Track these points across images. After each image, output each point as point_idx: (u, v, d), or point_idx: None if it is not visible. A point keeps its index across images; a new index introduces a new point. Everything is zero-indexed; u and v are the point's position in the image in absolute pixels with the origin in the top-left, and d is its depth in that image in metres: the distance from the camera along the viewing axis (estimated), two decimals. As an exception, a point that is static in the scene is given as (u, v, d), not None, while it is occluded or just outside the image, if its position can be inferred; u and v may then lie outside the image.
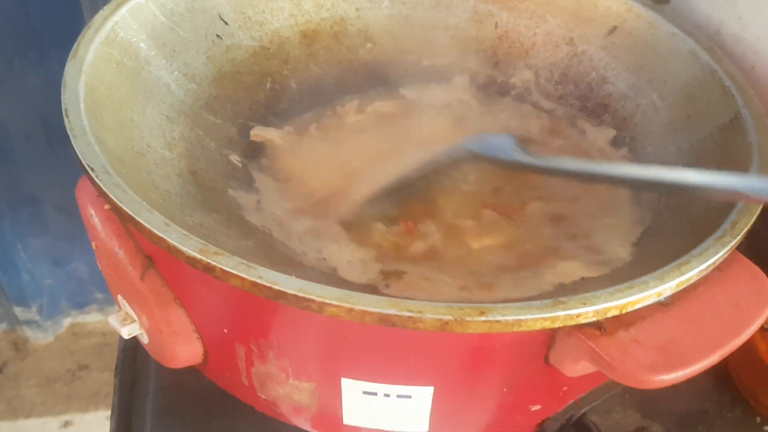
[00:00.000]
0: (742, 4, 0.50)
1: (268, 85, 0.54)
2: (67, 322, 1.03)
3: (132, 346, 0.49)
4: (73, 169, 0.36)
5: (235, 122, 0.50)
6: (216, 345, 0.37)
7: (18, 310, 0.98)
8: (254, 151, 0.49)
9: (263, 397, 0.39)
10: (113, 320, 0.38)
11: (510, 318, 0.29)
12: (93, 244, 0.38)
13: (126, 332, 0.38)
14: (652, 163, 0.47)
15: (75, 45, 0.43)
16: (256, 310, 0.34)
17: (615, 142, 0.50)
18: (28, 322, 1.00)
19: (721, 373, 0.46)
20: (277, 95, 0.54)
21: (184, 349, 0.37)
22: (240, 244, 0.40)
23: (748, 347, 0.33)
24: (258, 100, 0.53)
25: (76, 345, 1.02)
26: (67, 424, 0.95)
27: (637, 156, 0.48)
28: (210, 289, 0.34)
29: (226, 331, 0.36)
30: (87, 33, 0.43)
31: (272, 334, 0.34)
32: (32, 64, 0.78)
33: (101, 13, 0.45)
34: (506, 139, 0.41)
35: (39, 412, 0.96)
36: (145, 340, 0.39)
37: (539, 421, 0.39)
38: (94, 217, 0.37)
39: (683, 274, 0.32)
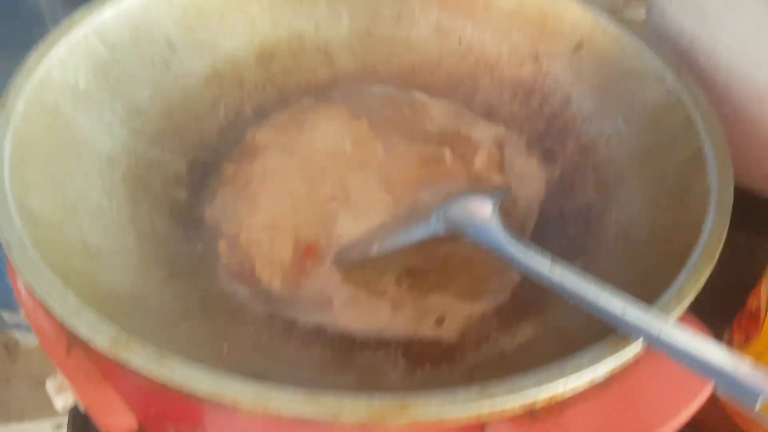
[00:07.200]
0: (712, 17, 0.47)
1: (222, 112, 0.51)
2: (55, 325, 1.03)
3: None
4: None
5: (184, 156, 0.48)
6: (149, 421, 0.36)
7: (6, 315, 0.98)
8: (203, 188, 0.48)
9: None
10: (49, 387, 0.38)
11: (433, 415, 0.28)
12: (22, 313, 0.37)
13: (60, 403, 0.37)
14: (615, 200, 0.44)
15: (4, 94, 0.41)
16: (179, 396, 0.32)
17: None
18: (18, 326, 1.00)
19: None
20: (230, 123, 0.52)
21: (116, 421, 0.36)
22: (176, 305, 0.39)
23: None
24: (210, 129, 0.50)
25: (65, 348, 1.02)
26: (59, 426, 0.96)
27: (600, 191, 0.46)
28: (132, 371, 0.33)
29: (154, 411, 0.35)
30: (17, 79, 0.41)
31: (197, 421, 0.33)
32: None
33: (35, 53, 0.43)
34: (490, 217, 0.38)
35: (31, 415, 0.97)
36: (81, 407, 0.38)
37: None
38: (22, 289, 0.36)
39: (619, 359, 0.30)
